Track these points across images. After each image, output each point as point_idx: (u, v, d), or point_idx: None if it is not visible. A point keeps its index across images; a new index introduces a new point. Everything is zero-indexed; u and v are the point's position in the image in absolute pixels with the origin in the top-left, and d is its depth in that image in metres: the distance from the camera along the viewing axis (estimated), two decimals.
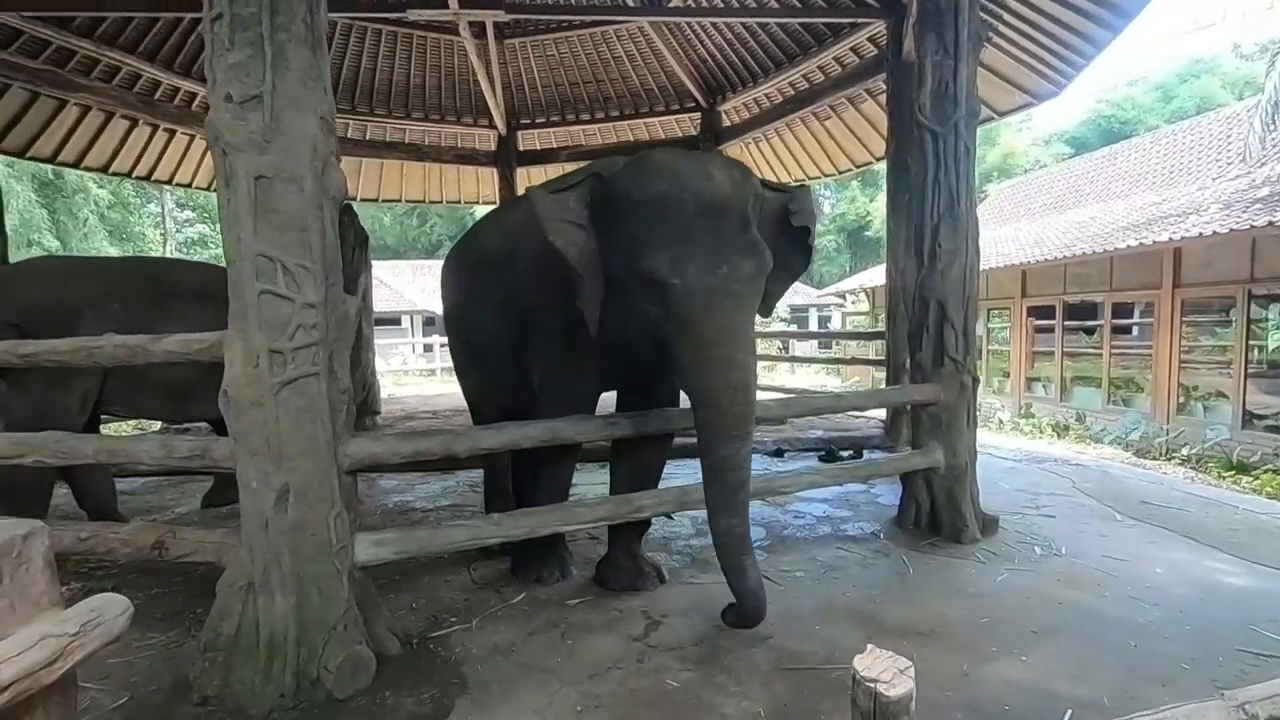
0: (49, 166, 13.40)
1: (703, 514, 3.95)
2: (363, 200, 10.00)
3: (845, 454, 5.56)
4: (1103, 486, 4.71)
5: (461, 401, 4.00)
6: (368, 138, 9.11)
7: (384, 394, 9.54)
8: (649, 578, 2.99)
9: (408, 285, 23.08)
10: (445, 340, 4.37)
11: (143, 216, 20.45)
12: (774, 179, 9.32)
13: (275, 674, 2.14)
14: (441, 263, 3.94)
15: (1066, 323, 10.25)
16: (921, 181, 3.70)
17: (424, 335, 21.35)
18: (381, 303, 17.17)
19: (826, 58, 7.20)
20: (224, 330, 2.22)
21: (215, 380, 3.47)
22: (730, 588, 2.40)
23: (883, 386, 8.01)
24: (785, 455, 5.76)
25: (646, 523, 3.13)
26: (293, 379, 2.13)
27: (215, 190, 2.21)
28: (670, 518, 3.98)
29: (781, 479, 3.26)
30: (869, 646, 1.08)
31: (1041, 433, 8.85)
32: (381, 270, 21.18)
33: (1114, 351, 9.50)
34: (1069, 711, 2.01)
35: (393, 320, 21.84)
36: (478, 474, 4.76)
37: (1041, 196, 14.65)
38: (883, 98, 6.78)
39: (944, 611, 2.72)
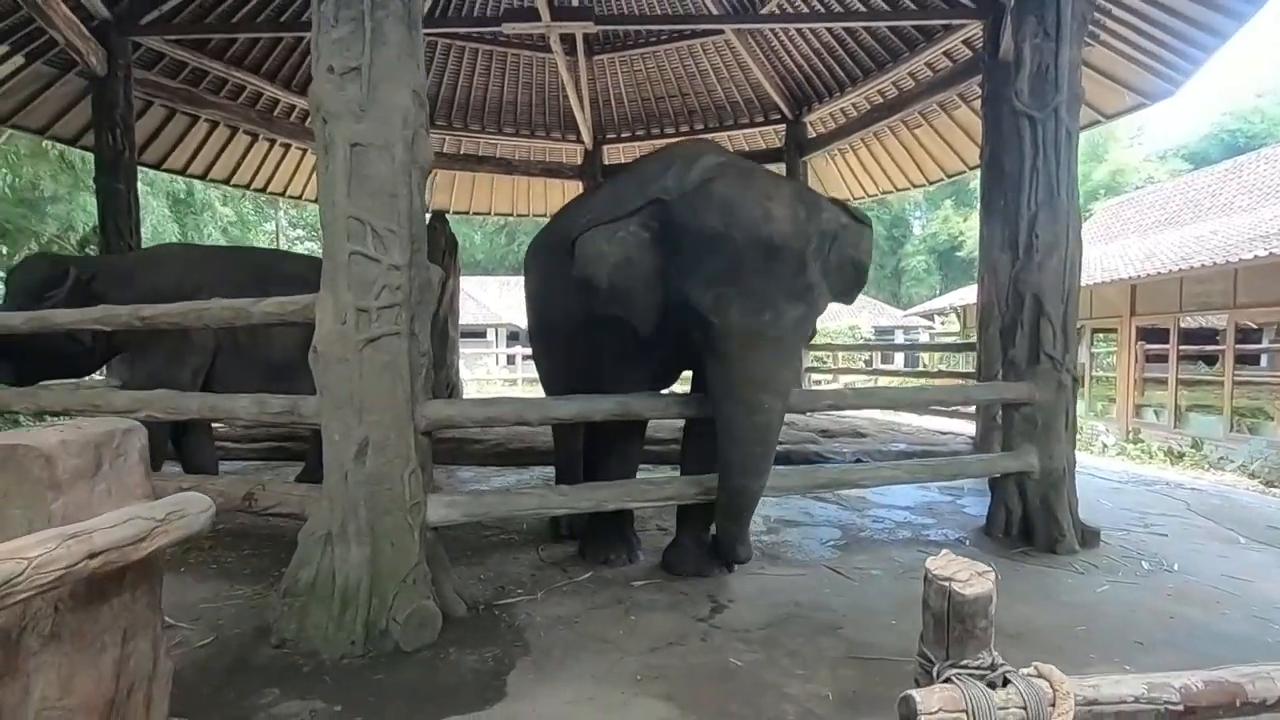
0: (181, 185, 14.74)
1: (774, 511, 3.90)
2: (455, 213, 10.45)
3: None
4: (1223, 510, 4.27)
5: None
6: (461, 152, 9.53)
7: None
8: (716, 565, 2.93)
9: (494, 300, 23.88)
10: (528, 351, 4.45)
11: (259, 234, 22.14)
12: (860, 192, 9.16)
13: (347, 622, 2.22)
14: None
15: (1182, 348, 9.42)
16: (1018, 170, 3.51)
17: (507, 347, 22.07)
18: (469, 315, 17.81)
19: (918, 63, 7.01)
20: (314, 295, 2.35)
21: None
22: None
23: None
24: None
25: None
26: (377, 336, 2.23)
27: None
28: None
29: (855, 471, 3.14)
30: (944, 551, 1.00)
31: (1151, 458, 8.12)
32: (470, 284, 22.01)
33: (1238, 381, 8.64)
34: None
35: (479, 333, 22.63)
36: (552, 471, 4.84)
37: (1154, 212, 13.61)
38: (977, 103, 6.55)
39: (1034, 617, 2.51)
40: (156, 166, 7.98)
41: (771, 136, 8.89)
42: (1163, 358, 9.61)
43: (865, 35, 7.24)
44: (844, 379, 14.36)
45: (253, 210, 20.25)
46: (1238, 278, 8.28)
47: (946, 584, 0.91)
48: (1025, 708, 0.90)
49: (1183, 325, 9.45)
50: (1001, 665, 0.93)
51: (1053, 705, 0.91)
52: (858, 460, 5.57)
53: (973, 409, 6.15)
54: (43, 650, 1.12)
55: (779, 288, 2.27)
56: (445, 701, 1.94)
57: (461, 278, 10.03)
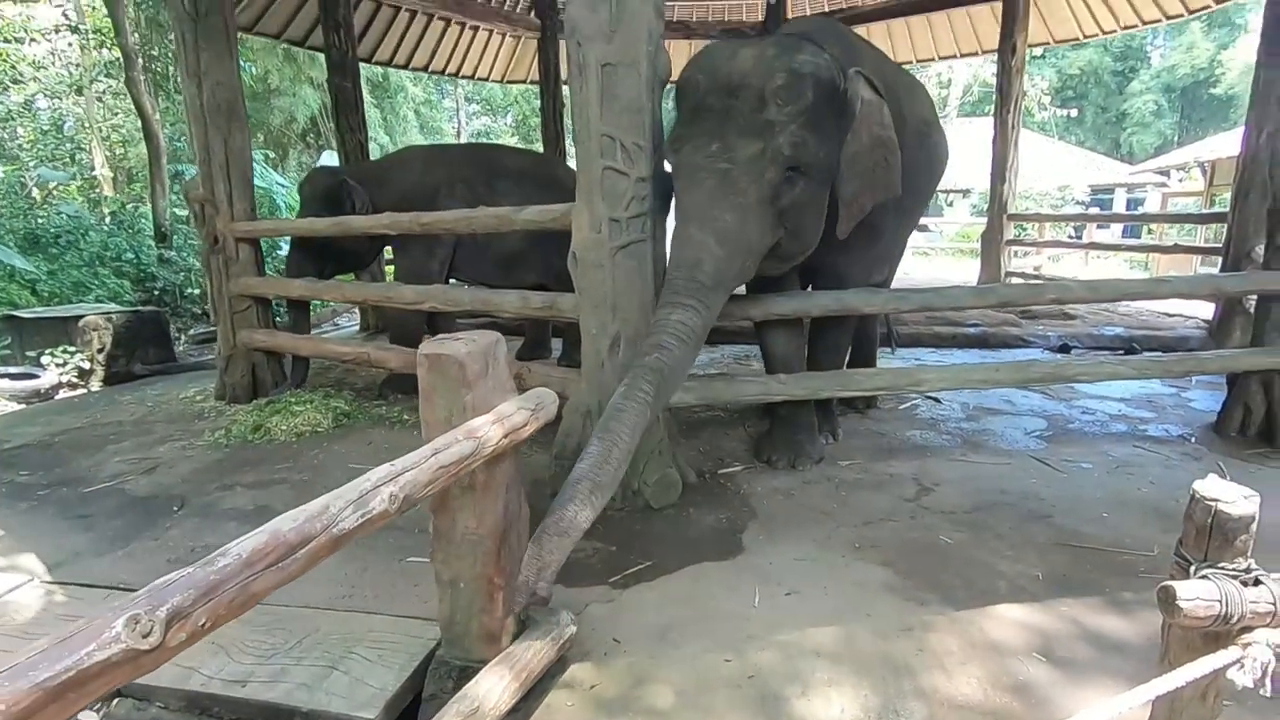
0: (378, 71, 15.81)
1: (973, 399, 3.93)
2: None
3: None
4: None
5: None
6: None
7: None
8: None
9: None
10: None
11: (440, 111, 23.40)
12: (1095, 29, 7.88)
13: None
14: None
15: None
16: None
17: None
18: None
19: None
20: (570, 204, 2.66)
21: (538, 252, 4.13)
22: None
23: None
24: (1072, 353, 5.26)
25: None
26: (627, 244, 2.53)
27: (568, 81, 2.57)
28: (938, 401, 3.98)
29: (1072, 366, 3.08)
30: (1210, 475, 1.14)
31: None
32: None
33: None
34: None
35: None
36: (741, 348, 5.15)
37: None
38: None
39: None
40: (369, 60, 8.69)
41: None
42: None
43: None
44: (1047, 251, 12.84)
45: (434, 89, 21.46)
46: None
47: (1213, 504, 1.06)
48: (1275, 603, 1.05)
49: None
50: (1256, 570, 1.07)
51: None
52: (1064, 346, 5.29)
53: None
54: (463, 496, 1.59)
55: (732, 121, 2.27)
56: (696, 550, 2.38)
57: None
